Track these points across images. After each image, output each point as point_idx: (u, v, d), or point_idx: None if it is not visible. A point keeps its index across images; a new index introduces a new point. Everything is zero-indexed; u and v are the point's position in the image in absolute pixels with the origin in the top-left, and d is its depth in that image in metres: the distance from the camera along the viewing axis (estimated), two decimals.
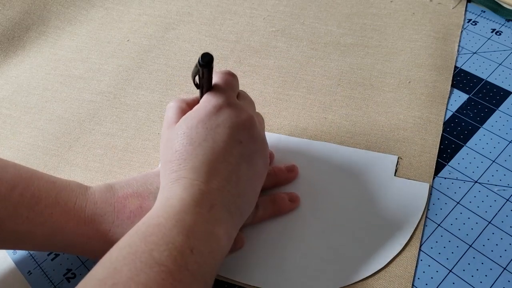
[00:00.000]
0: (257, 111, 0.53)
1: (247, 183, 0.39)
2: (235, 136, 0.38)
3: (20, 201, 0.38)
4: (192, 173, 0.36)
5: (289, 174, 0.47)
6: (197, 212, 0.34)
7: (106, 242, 0.39)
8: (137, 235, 0.33)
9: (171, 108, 0.42)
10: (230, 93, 0.40)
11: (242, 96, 0.43)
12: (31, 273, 0.45)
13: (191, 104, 0.42)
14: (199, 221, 0.34)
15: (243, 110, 0.40)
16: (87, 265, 0.44)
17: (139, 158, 0.52)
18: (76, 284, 0.42)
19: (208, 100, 0.39)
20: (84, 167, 0.52)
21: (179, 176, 0.36)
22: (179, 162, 0.37)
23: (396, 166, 0.47)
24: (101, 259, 0.32)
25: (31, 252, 0.46)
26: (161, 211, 0.34)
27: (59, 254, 0.46)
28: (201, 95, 0.41)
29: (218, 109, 0.39)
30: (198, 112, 0.39)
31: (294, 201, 0.45)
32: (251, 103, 0.43)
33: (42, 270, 0.45)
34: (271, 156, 0.48)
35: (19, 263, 0.45)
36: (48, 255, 0.46)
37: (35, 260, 0.45)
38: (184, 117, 0.39)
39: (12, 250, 0.46)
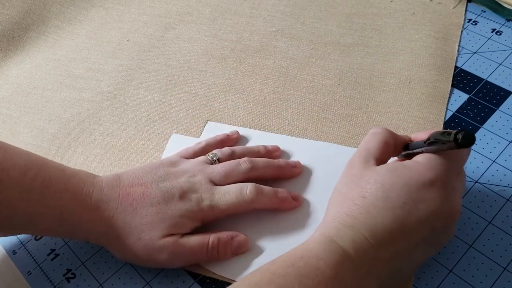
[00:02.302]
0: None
1: (412, 265, 0.37)
2: (431, 221, 0.35)
3: (31, 186, 0.40)
4: (369, 231, 0.34)
5: (293, 169, 0.47)
6: (355, 273, 0.33)
7: (109, 228, 0.41)
8: (293, 270, 0.33)
9: (376, 136, 0.39)
10: (451, 170, 0.37)
11: (458, 170, 0.38)
12: (31, 273, 0.45)
13: (398, 143, 0.40)
14: (350, 283, 0.33)
15: (454, 199, 0.36)
16: (87, 265, 0.44)
17: (139, 158, 0.52)
18: (76, 284, 0.42)
19: (427, 168, 0.36)
20: (84, 167, 0.52)
21: (354, 225, 0.35)
22: (361, 211, 0.35)
23: None
24: (248, 279, 0.33)
25: (31, 252, 0.46)
26: (323, 253, 0.33)
27: (59, 254, 0.45)
28: (418, 145, 0.38)
29: (432, 184, 0.35)
30: (410, 175, 0.36)
31: (296, 199, 0.45)
32: (463, 183, 0.39)
33: (42, 270, 0.45)
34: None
35: (19, 263, 0.45)
36: (48, 255, 0.46)
37: (35, 260, 0.45)
38: (392, 168, 0.36)
39: (12, 250, 0.46)
